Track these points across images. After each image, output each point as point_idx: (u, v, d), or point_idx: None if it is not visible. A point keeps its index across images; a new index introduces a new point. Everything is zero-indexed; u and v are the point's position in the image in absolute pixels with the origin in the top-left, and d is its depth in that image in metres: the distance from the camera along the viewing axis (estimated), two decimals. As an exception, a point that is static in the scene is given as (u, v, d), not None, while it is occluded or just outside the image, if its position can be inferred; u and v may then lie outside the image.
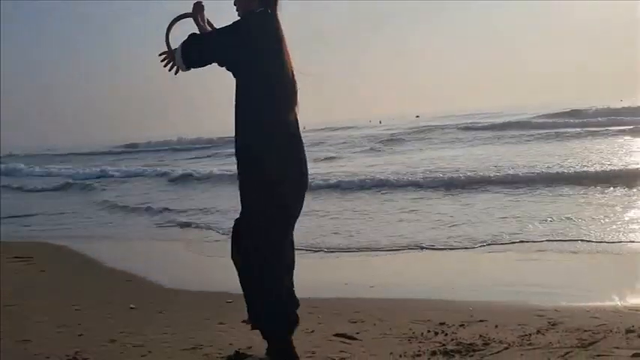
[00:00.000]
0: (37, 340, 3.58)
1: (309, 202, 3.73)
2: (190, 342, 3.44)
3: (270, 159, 2.67)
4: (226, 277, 5.43)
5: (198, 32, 2.89)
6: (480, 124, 26.52)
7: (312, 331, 3.50)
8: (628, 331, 3.16)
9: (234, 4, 2.85)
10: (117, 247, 7.62)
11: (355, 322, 3.67)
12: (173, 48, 2.83)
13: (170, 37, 2.89)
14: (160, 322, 3.98)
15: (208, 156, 26.13)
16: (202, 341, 3.43)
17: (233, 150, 2.82)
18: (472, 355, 2.93)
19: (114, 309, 4.37)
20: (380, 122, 53.42)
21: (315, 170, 14.52)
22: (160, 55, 2.86)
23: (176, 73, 2.85)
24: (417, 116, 60.42)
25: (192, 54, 2.75)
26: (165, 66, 2.82)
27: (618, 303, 3.85)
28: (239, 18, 2.79)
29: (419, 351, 3.04)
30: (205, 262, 6.40)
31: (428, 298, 4.27)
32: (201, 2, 2.95)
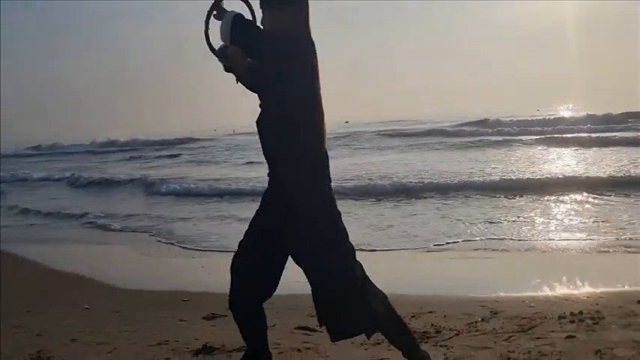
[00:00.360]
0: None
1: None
2: (155, 338, 3.52)
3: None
4: (177, 277, 5.57)
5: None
6: (404, 131, 27.50)
7: (274, 325, 3.66)
8: (560, 317, 3.52)
9: (262, 21, 2.51)
10: (56, 250, 7.45)
11: (313, 316, 3.84)
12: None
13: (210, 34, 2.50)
14: (118, 320, 4.02)
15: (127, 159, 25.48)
16: (167, 337, 3.52)
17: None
18: (427, 342, 3.18)
19: (68, 310, 4.36)
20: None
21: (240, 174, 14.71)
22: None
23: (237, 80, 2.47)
24: (347, 122, 61.42)
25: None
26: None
27: (549, 293, 4.24)
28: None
29: (378, 340, 3.26)
30: (152, 263, 6.41)
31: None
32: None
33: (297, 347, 3.26)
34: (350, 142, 25.21)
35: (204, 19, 2.51)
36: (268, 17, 2.48)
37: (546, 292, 4.29)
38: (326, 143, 2.50)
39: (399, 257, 6.00)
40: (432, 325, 3.49)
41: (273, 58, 2.38)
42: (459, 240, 6.34)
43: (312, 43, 2.48)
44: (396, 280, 5.05)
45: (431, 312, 3.79)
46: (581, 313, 3.56)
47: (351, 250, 2.51)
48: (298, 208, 2.44)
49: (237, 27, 2.41)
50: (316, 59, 2.47)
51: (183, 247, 6.90)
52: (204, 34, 2.51)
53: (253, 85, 2.47)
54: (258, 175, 14.38)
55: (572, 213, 7.71)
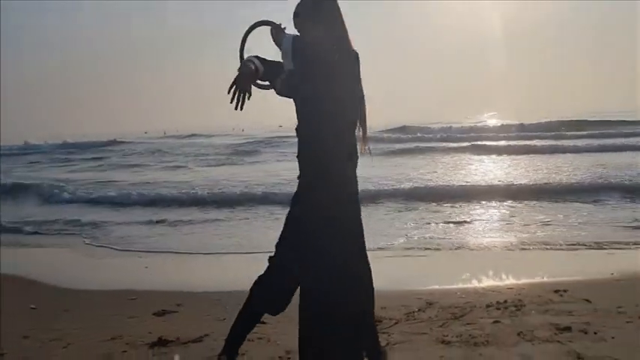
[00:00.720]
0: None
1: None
2: (108, 333, 3.62)
3: None
4: (122, 277, 5.60)
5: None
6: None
7: (224, 319, 3.84)
8: (487, 306, 3.89)
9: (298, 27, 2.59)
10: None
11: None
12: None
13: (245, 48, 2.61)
14: (68, 319, 4.07)
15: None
16: (120, 332, 3.63)
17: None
18: (369, 330, 3.45)
19: (13, 310, 4.35)
20: (242, 130, 53.66)
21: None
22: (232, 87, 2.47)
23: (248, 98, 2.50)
24: (280, 126, 61.55)
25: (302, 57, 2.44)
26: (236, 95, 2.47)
27: (477, 285, 4.63)
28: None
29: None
30: (94, 264, 6.39)
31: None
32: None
33: (249, 338, 3.44)
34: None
35: (242, 39, 2.63)
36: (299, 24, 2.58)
37: (475, 284, 4.67)
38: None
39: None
40: (373, 315, 3.77)
41: (302, 64, 2.43)
42: (394, 242, 6.68)
43: (349, 55, 2.52)
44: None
45: (371, 304, 4.07)
46: (505, 302, 3.95)
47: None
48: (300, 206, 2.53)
49: (295, 46, 2.44)
50: (352, 70, 2.53)
51: (120, 250, 6.93)
52: (239, 54, 2.60)
53: (289, 94, 2.54)
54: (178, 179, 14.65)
55: (495, 216, 8.27)
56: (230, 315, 3.82)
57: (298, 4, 2.61)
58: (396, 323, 3.60)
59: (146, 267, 6.08)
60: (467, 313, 3.74)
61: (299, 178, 2.58)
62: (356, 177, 2.59)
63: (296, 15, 2.59)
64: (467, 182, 11.57)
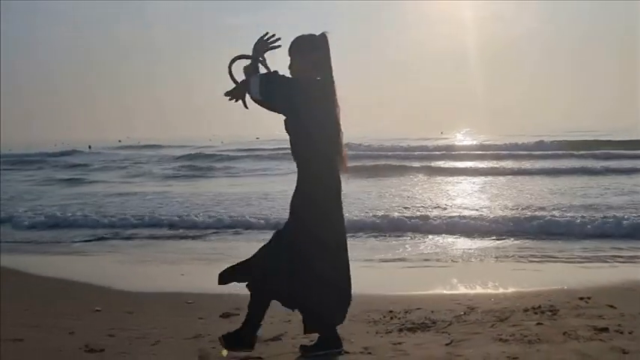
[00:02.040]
0: (44, 337, 3.83)
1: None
2: (187, 332, 3.94)
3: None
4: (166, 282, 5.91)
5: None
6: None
7: (289, 321, 4.19)
8: (525, 310, 4.33)
9: (289, 68, 3.26)
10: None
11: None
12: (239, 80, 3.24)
13: (234, 72, 3.26)
14: (139, 319, 4.38)
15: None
16: (199, 332, 3.95)
17: None
18: (428, 330, 3.87)
19: (79, 312, 4.62)
20: (222, 142, 53.91)
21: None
22: (227, 93, 3.26)
23: (246, 106, 3.28)
24: (257, 137, 62.03)
25: (267, 91, 3.18)
26: (235, 101, 3.28)
27: (507, 291, 5.09)
28: (303, 79, 3.21)
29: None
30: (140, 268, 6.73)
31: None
32: (263, 42, 3.24)
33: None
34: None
35: (229, 63, 3.28)
36: (291, 62, 3.28)
37: (507, 290, 5.16)
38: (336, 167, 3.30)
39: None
40: (426, 317, 4.18)
41: (285, 98, 3.18)
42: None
43: (323, 83, 3.22)
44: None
45: (419, 308, 4.48)
46: (540, 307, 4.39)
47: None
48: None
49: (263, 83, 3.18)
50: (329, 96, 3.22)
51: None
52: (229, 75, 3.28)
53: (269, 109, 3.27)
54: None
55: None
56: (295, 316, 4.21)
57: (293, 40, 3.27)
58: (449, 324, 4.01)
59: (182, 274, 6.40)
60: (509, 316, 4.17)
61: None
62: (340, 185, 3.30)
63: (289, 49, 3.27)
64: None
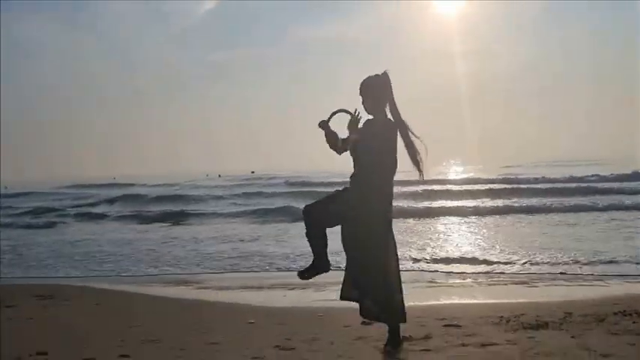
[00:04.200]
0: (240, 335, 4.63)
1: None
2: (354, 334, 4.76)
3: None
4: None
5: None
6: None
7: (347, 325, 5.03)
8: (614, 313, 5.22)
9: (363, 105, 4.17)
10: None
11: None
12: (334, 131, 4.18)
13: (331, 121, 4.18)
14: (294, 330, 5.16)
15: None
16: (362, 334, 4.77)
17: None
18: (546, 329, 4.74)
19: (237, 328, 5.40)
20: (219, 176, 54.28)
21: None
22: (329, 143, 4.19)
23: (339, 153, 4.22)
24: (253, 172, 62.90)
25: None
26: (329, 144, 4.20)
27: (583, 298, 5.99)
28: (379, 125, 4.14)
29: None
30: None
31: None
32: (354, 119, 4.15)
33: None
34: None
35: (330, 115, 4.20)
36: (364, 101, 4.19)
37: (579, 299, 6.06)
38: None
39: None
40: (537, 319, 5.05)
41: (364, 139, 4.10)
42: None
43: (390, 124, 4.13)
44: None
45: (523, 314, 5.34)
46: (624, 311, 5.29)
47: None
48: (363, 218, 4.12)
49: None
50: (392, 136, 4.11)
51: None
52: (327, 123, 4.19)
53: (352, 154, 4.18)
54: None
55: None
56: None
57: (362, 82, 4.16)
58: (561, 324, 4.87)
59: (284, 296, 7.21)
60: (604, 318, 5.05)
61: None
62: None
63: (360, 90, 4.16)
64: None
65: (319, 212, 4.22)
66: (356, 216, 4.12)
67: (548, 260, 9.18)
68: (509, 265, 8.97)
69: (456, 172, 44.18)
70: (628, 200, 18.46)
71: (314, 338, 4.72)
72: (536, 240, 11.50)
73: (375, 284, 4.16)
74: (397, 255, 4.28)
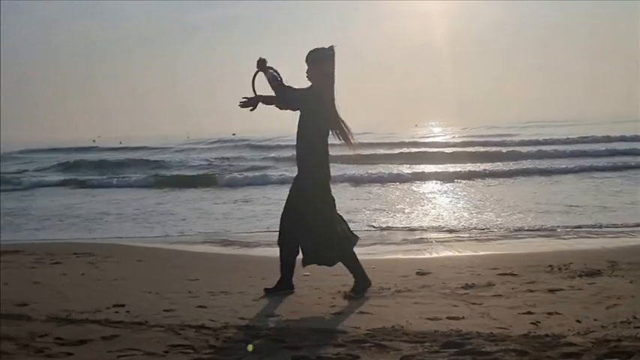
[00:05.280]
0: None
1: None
2: (418, 283, 4.94)
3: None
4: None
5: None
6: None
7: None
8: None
9: (307, 74, 4.46)
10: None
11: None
12: (258, 94, 4.50)
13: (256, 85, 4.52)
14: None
15: None
16: (427, 282, 4.95)
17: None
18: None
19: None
20: (188, 137, 52.79)
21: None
22: (243, 99, 4.50)
23: (252, 110, 4.52)
24: (234, 134, 62.43)
25: (283, 100, 4.48)
26: (243, 107, 4.52)
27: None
28: (311, 87, 4.47)
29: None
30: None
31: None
32: (262, 59, 4.47)
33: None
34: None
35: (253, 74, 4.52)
36: (307, 70, 4.45)
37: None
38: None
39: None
40: (585, 268, 5.27)
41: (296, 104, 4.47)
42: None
43: (328, 94, 4.42)
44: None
45: (571, 263, 5.57)
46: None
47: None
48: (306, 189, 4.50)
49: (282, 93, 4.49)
50: (329, 105, 4.43)
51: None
52: (251, 84, 4.51)
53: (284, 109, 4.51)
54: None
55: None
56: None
57: (310, 52, 4.41)
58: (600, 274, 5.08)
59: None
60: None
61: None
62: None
63: (305, 59, 4.43)
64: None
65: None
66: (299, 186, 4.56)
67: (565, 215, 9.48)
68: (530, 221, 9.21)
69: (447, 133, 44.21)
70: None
71: (382, 288, 4.87)
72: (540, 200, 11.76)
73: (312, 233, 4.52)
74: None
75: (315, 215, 4.48)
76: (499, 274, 5.23)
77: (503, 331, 3.54)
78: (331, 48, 4.41)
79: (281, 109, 4.53)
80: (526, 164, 19.70)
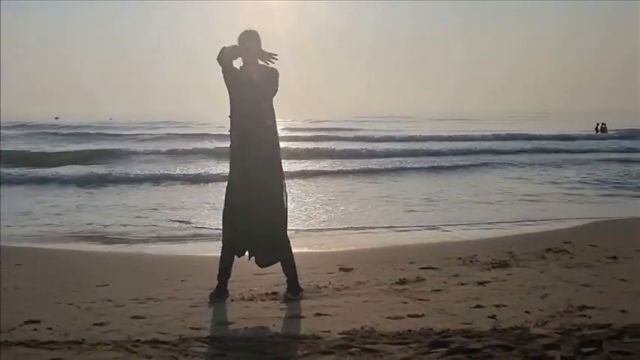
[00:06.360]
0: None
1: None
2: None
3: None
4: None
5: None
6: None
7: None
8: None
9: (251, 50, 4.36)
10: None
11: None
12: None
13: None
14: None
15: None
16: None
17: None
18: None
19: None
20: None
21: None
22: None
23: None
24: (110, 118, 57.47)
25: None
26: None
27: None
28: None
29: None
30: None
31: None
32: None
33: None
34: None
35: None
36: (252, 50, 4.39)
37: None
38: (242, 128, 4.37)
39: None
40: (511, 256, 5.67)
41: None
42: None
43: (239, 70, 4.39)
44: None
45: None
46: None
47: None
48: None
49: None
50: (237, 79, 4.36)
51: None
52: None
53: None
54: None
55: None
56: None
57: (252, 32, 4.39)
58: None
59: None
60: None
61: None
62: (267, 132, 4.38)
63: (251, 40, 4.37)
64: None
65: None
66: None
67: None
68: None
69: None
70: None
71: (317, 286, 4.77)
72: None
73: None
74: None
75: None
76: (421, 268, 5.39)
77: (470, 327, 3.64)
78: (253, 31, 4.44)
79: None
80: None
